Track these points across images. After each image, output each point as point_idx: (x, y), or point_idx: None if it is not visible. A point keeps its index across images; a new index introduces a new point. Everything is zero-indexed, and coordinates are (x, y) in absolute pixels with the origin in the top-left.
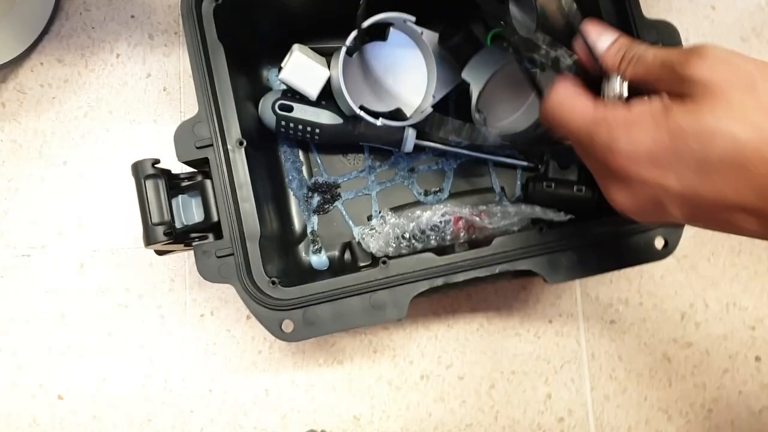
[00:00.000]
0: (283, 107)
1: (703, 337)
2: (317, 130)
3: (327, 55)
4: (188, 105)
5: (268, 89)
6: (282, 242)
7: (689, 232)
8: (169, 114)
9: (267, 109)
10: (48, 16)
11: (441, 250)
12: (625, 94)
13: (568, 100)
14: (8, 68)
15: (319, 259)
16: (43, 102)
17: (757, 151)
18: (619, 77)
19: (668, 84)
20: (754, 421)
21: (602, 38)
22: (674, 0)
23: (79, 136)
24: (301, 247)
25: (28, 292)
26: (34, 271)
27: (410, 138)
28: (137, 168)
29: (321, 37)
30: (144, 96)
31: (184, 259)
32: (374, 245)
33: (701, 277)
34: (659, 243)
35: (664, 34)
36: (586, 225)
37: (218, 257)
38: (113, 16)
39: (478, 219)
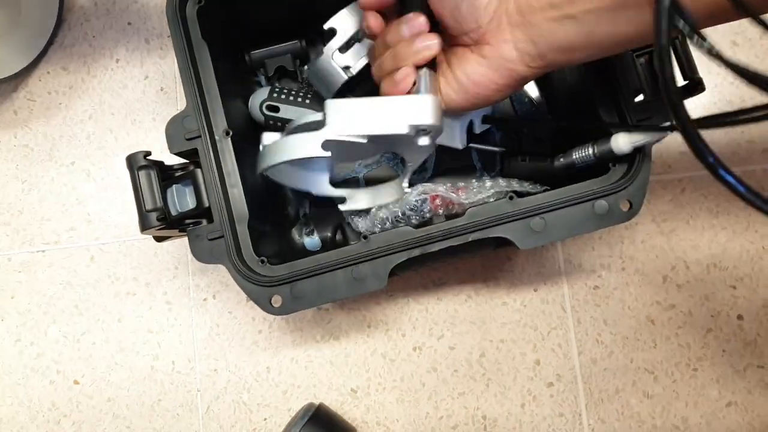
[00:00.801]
0: (270, 107)
1: (685, 298)
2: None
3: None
4: (184, 103)
5: (257, 81)
6: (276, 226)
7: (667, 197)
8: (166, 112)
9: (255, 107)
10: (52, 28)
11: (420, 225)
12: None
13: None
14: (18, 78)
15: (312, 241)
16: (51, 108)
17: None
18: None
19: None
20: (739, 379)
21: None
22: None
23: (85, 137)
24: (295, 230)
25: (44, 285)
26: (49, 265)
27: None
28: (131, 160)
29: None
30: (143, 97)
31: (186, 247)
32: (362, 225)
33: (681, 240)
34: (624, 206)
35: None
36: (555, 192)
37: (210, 240)
38: (111, 24)
39: (454, 195)
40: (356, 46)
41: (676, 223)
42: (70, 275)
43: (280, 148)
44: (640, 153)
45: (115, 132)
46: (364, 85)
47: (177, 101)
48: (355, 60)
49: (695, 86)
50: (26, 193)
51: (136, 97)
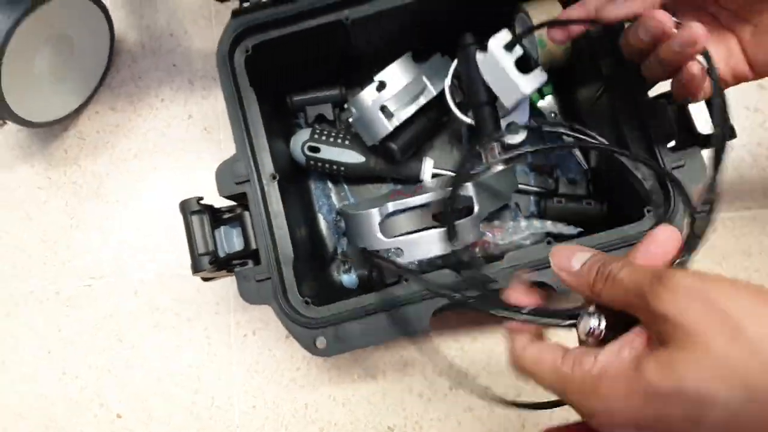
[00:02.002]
0: (311, 149)
1: None
2: (342, 168)
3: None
4: (227, 141)
5: (297, 123)
6: (315, 263)
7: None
8: (210, 150)
9: (297, 148)
10: (102, 71)
11: (458, 266)
12: (602, 330)
13: (530, 353)
14: (70, 119)
15: (349, 278)
16: (99, 146)
17: (754, 418)
18: (595, 314)
19: (644, 315)
20: None
21: (575, 257)
22: None
23: (130, 175)
24: (333, 267)
25: (90, 318)
26: (95, 299)
27: (428, 169)
28: (184, 206)
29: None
30: (187, 135)
31: (227, 285)
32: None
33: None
34: None
35: None
36: (590, 238)
37: (257, 281)
38: (157, 65)
39: (491, 236)
40: (401, 97)
41: (709, 264)
42: (114, 309)
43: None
44: (674, 201)
45: (160, 170)
46: (404, 133)
47: (220, 141)
48: (399, 111)
49: (727, 134)
50: (74, 229)
51: (180, 137)
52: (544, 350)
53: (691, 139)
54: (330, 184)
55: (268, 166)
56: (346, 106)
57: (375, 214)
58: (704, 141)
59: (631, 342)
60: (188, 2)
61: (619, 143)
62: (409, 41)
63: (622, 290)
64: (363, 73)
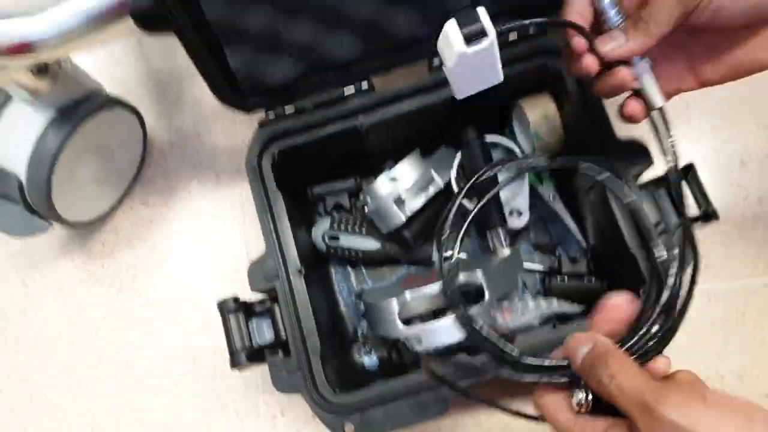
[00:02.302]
0: (331, 237)
1: None
2: (360, 254)
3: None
4: (250, 228)
5: (318, 212)
6: (337, 344)
7: (693, 309)
8: (235, 241)
9: (318, 237)
10: (136, 170)
11: (474, 349)
12: (590, 402)
13: (551, 407)
14: (106, 214)
15: (370, 360)
16: (134, 239)
17: None
18: (583, 389)
19: (639, 420)
20: None
21: (579, 351)
22: None
23: (164, 264)
24: (354, 348)
25: (129, 405)
26: (131, 387)
27: None
28: (222, 306)
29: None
30: (214, 227)
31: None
32: (418, 347)
33: (709, 351)
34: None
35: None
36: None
37: (288, 372)
38: (186, 162)
39: (501, 320)
40: (412, 190)
41: (706, 335)
42: (150, 394)
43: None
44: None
45: (192, 258)
46: (416, 221)
47: (245, 231)
48: (411, 202)
49: (710, 216)
50: (110, 321)
51: (207, 227)
52: (561, 407)
53: (681, 221)
54: (349, 269)
55: (294, 261)
56: (361, 196)
57: (394, 304)
58: (695, 221)
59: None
60: (213, 103)
61: (612, 228)
62: (416, 136)
63: (616, 399)
64: (375, 163)
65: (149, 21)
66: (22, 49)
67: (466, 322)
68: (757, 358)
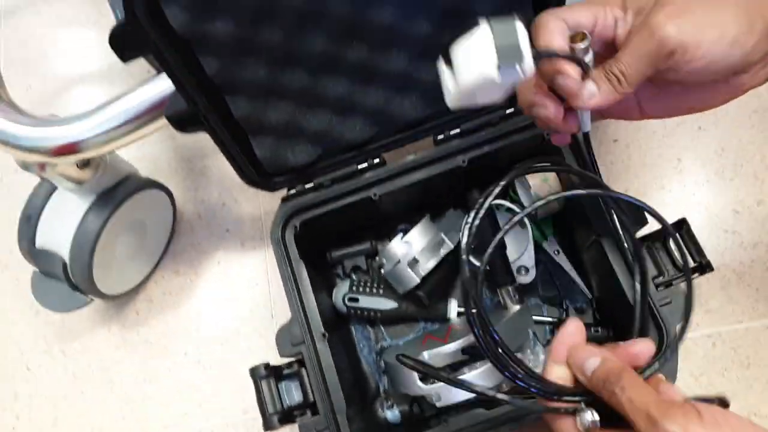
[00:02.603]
0: (350, 299)
1: None
2: (378, 314)
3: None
4: (275, 292)
5: (337, 275)
6: (361, 401)
7: (700, 353)
8: (260, 302)
9: (338, 300)
10: (166, 242)
11: (489, 402)
12: (597, 421)
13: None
14: (139, 285)
15: (392, 414)
16: (166, 307)
17: None
18: (589, 410)
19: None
20: None
21: (588, 363)
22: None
23: (195, 330)
24: (377, 403)
25: None
26: None
27: (453, 308)
28: (254, 372)
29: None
30: (240, 291)
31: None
32: (437, 402)
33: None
34: None
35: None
36: None
37: (317, 431)
38: (213, 232)
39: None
40: (424, 253)
41: (713, 377)
42: None
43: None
44: (667, 336)
45: (221, 323)
46: (430, 281)
47: (269, 293)
48: (424, 264)
49: (704, 267)
50: (147, 383)
51: (234, 293)
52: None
53: (677, 273)
54: (369, 327)
55: (318, 326)
56: (377, 257)
57: None
58: (691, 272)
59: None
60: (237, 176)
61: (612, 281)
62: (426, 201)
63: (625, 409)
64: (390, 226)
65: (183, 122)
66: (69, 149)
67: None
68: (764, 398)
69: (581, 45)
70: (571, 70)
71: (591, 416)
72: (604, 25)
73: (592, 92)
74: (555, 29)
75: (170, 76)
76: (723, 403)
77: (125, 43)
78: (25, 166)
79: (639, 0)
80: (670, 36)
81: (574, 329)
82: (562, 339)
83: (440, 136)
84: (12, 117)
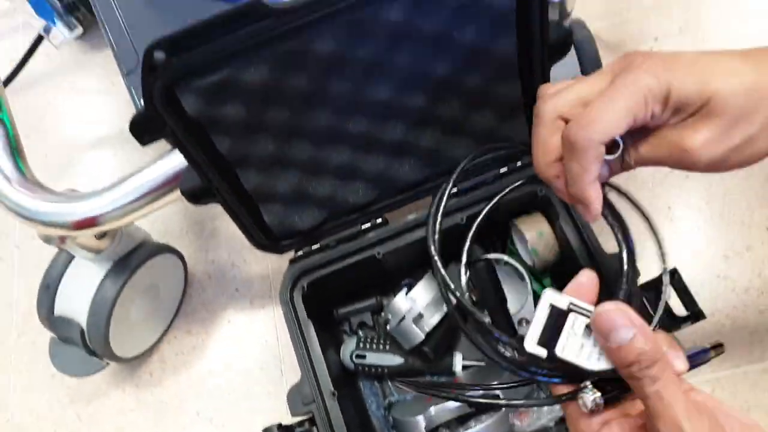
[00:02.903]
0: (358, 356)
1: None
2: (385, 369)
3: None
4: (283, 351)
5: (344, 331)
6: None
7: None
8: (269, 360)
9: (346, 357)
10: (178, 303)
11: None
12: (602, 402)
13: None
14: (153, 346)
15: None
16: (179, 366)
17: None
18: (593, 390)
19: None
20: None
21: (621, 331)
22: None
23: (207, 389)
24: None
25: None
26: None
27: (458, 362)
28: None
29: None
30: (250, 350)
31: None
32: None
33: None
34: None
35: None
36: None
37: None
38: (223, 292)
39: (518, 423)
40: (428, 309)
41: None
42: None
43: None
44: None
45: (232, 382)
46: (435, 336)
47: (279, 351)
48: (428, 319)
49: (696, 316)
50: None
51: (245, 352)
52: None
53: (671, 322)
54: (376, 383)
55: (327, 384)
56: (383, 313)
57: (420, 421)
58: (682, 322)
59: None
60: None
61: None
62: (428, 258)
63: (647, 402)
64: (394, 282)
65: (197, 195)
66: (89, 223)
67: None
68: None
69: (616, 155)
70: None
71: (593, 396)
72: (642, 120)
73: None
74: (595, 160)
75: (185, 155)
76: (717, 347)
77: (144, 128)
78: (47, 239)
79: (685, 94)
80: (702, 161)
81: (586, 279)
82: (572, 290)
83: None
84: (36, 194)
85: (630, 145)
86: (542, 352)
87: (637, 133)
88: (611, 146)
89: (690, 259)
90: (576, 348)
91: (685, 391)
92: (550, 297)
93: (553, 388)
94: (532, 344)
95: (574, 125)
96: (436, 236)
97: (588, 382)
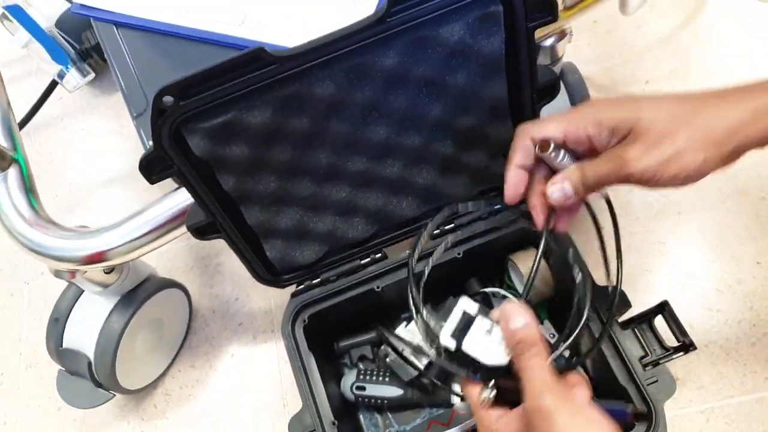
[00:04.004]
0: (358, 388)
1: None
2: (385, 401)
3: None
4: (285, 383)
5: (345, 364)
6: None
7: (695, 429)
8: (271, 388)
9: (347, 388)
10: (182, 337)
11: None
12: (492, 398)
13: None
14: (158, 379)
15: None
16: (182, 399)
17: None
18: (490, 387)
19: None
20: None
21: (516, 318)
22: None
23: (211, 422)
24: None
25: None
26: None
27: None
28: None
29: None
30: (252, 382)
31: None
32: None
33: None
34: None
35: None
36: None
37: None
38: (226, 326)
39: None
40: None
41: None
42: None
43: None
44: (655, 413)
45: (235, 413)
46: (433, 370)
47: (281, 383)
48: (427, 351)
49: (687, 346)
50: None
51: (248, 384)
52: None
53: (663, 353)
54: (376, 414)
55: (327, 414)
56: (382, 346)
57: None
58: (675, 352)
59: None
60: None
61: (604, 364)
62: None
63: (522, 372)
64: (393, 315)
65: (202, 231)
66: (98, 258)
67: None
68: None
69: (546, 153)
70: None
71: (489, 393)
72: (576, 139)
73: (552, 192)
74: (520, 148)
75: (191, 192)
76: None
77: (152, 167)
78: (58, 274)
79: (615, 119)
80: (635, 171)
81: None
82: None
83: (436, 231)
84: (49, 231)
85: (588, 163)
86: (453, 344)
87: (592, 154)
88: (544, 146)
89: (682, 293)
90: (478, 343)
91: (551, 372)
92: (464, 304)
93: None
94: (446, 337)
95: (523, 131)
96: (414, 289)
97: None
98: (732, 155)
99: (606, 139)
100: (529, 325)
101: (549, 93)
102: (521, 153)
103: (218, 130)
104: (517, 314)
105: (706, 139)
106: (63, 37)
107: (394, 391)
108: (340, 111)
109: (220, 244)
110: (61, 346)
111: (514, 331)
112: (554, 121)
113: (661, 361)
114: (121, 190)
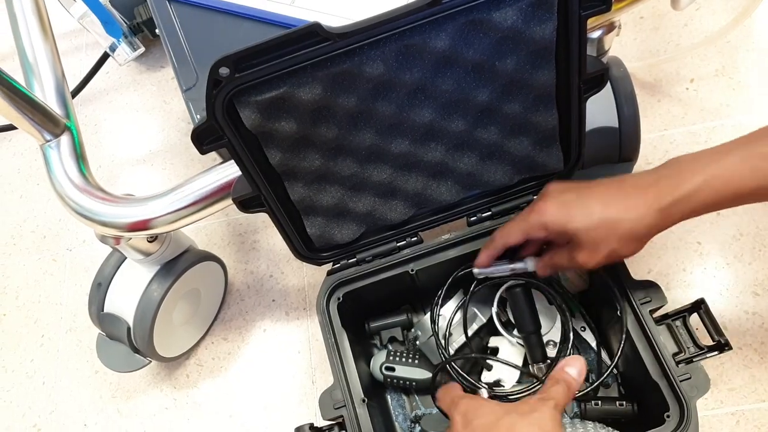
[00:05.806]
0: (387, 368)
1: None
2: (413, 383)
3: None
4: (315, 361)
5: (375, 345)
6: None
7: (724, 430)
8: (301, 368)
9: (376, 368)
10: (217, 309)
11: None
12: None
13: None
14: (191, 350)
15: None
16: (215, 371)
17: None
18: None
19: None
20: None
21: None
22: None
23: (240, 394)
24: None
25: None
26: None
27: (483, 379)
28: (299, 430)
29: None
30: (283, 357)
31: None
32: None
33: None
34: None
35: (650, 292)
36: None
37: None
38: (260, 301)
39: None
40: (458, 326)
41: None
42: None
43: None
44: (687, 410)
45: (265, 388)
46: (463, 352)
47: (311, 361)
48: (457, 336)
49: (723, 346)
50: None
51: (278, 360)
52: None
53: (697, 351)
54: (404, 396)
55: (357, 391)
56: (413, 329)
57: None
58: (710, 350)
59: None
60: (284, 248)
61: (636, 358)
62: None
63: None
64: (425, 298)
65: (247, 204)
66: (143, 226)
67: None
68: None
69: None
70: None
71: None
72: (534, 239)
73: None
74: (494, 248)
75: (239, 164)
76: None
77: (204, 137)
78: (103, 239)
79: (558, 224)
80: (587, 267)
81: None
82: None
83: (473, 218)
84: (97, 197)
85: (548, 253)
86: None
87: (553, 245)
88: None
89: (719, 294)
90: None
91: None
92: None
93: None
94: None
95: (499, 232)
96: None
97: None
98: (663, 229)
99: (554, 236)
100: (575, 378)
101: (596, 84)
102: (494, 251)
103: (269, 104)
104: (576, 365)
105: (632, 237)
106: (115, 11)
107: (423, 374)
108: (388, 91)
109: (257, 222)
110: (103, 311)
111: (564, 371)
112: (515, 231)
113: (695, 359)
114: (161, 164)
